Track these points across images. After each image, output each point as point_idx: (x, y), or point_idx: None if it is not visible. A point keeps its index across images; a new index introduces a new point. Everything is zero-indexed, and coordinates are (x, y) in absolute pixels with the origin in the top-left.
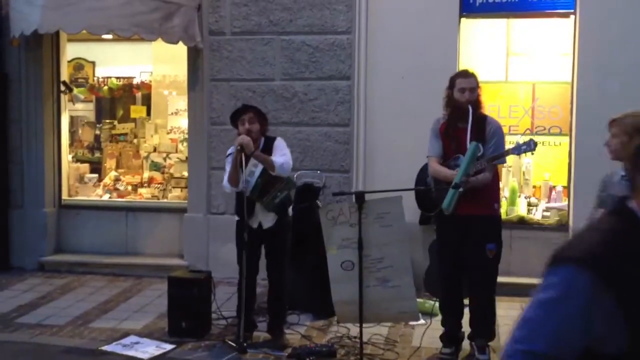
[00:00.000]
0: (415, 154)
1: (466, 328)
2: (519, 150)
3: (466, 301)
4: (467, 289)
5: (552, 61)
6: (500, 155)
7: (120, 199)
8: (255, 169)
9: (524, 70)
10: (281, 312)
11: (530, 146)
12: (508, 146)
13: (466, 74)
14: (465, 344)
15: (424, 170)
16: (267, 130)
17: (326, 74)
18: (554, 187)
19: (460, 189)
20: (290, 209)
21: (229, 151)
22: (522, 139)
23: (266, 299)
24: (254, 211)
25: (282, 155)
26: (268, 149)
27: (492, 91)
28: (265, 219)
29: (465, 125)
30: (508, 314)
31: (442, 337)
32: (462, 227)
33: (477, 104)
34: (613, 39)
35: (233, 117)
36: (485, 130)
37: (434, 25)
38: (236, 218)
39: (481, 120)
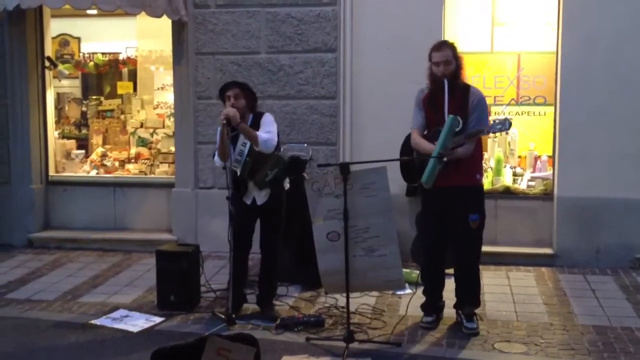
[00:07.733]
0: (401, 125)
1: (452, 297)
2: (493, 129)
3: (450, 271)
4: (452, 259)
5: (537, 31)
6: (476, 134)
7: (107, 175)
8: (244, 148)
9: (509, 40)
10: (272, 286)
11: (505, 125)
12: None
13: (439, 47)
14: (449, 312)
15: (407, 140)
16: (256, 107)
17: (312, 47)
18: (539, 156)
19: (439, 165)
20: (287, 184)
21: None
22: (503, 112)
23: (256, 271)
24: (248, 187)
25: (267, 132)
26: (256, 124)
27: (478, 62)
28: (259, 195)
29: (444, 97)
30: (494, 282)
31: (422, 306)
32: (445, 198)
33: (454, 76)
34: (597, 8)
35: (221, 92)
36: (469, 102)
37: None
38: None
39: (464, 91)
